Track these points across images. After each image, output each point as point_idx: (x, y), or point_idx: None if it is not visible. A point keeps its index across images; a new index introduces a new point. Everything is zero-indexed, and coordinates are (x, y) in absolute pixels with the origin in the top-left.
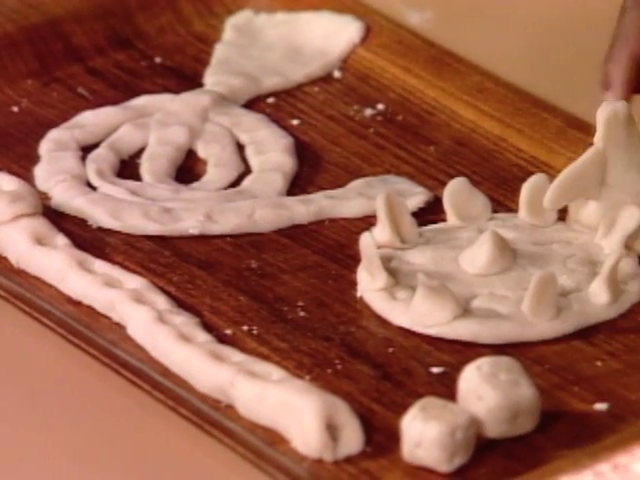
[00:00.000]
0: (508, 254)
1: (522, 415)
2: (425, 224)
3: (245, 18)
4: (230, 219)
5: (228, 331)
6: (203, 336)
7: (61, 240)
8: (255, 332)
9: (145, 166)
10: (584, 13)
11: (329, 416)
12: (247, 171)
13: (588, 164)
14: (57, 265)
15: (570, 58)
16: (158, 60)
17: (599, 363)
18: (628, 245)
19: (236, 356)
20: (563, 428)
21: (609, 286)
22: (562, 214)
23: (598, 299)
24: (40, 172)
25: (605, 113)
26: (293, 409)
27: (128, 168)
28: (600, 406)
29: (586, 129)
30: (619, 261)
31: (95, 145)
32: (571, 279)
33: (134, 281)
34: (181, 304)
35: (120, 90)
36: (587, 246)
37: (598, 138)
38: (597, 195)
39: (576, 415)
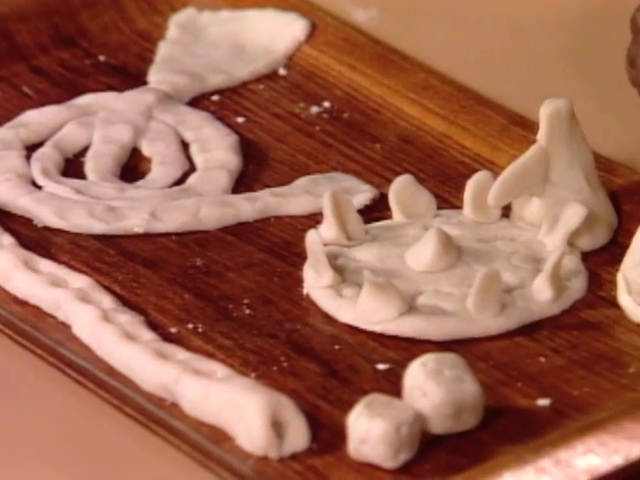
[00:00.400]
0: (453, 251)
1: (466, 411)
2: (371, 221)
3: (189, 16)
4: (175, 217)
5: (173, 329)
6: (148, 335)
7: (7, 240)
8: (200, 330)
9: (90, 165)
10: (526, 11)
11: (274, 413)
12: (192, 169)
13: (531, 161)
14: (3, 265)
15: (513, 55)
16: (102, 58)
17: (542, 359)
18: (571, 242)
19: (181, 354)
20: (506, 424)
21: (552, 283)
22: (506, 211)
23: (541, 296)
24: None
25: (548, 110)
26: (238, 407)
27: (73, 167)
28: (543, 402)
29: (529, 126)
30: (562, 258)
31: (40, 144)
32: (515, 276)
33: (79, 280)
34: (126, 303)
35: (64, 89)
36: (531, 243)
37: (541, 135)
38: (540, 192)
39: (519, 411)
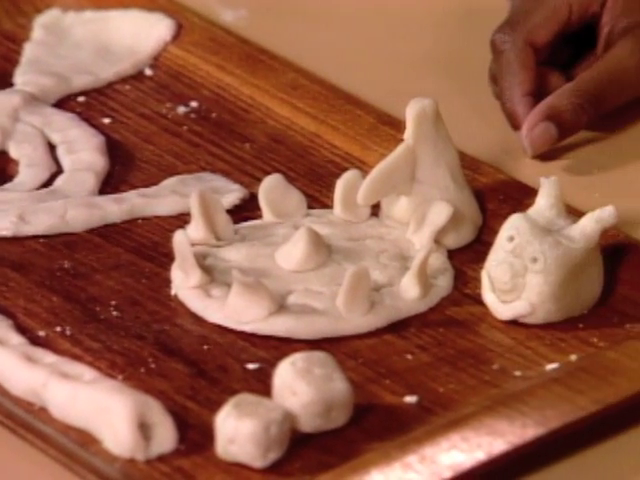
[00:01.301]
0: (323, 250)
1: (336, 409)
2: (241, 221)
3: (53, 17)
4: (42, 220)
5: (41, 332)
6: (16, 338)
7: None
8: (68, 333)
9: None
10: (395, 12)
11: (140, 415)
12: (59, 171)
13: (398, 160)
14: None
15: (381, 55)
16: None
17: (409, 356)
18: (437, 240)
19: (48, 358)
20: (374, 421)
21: (419, 281)
22: (375, 210)
23: (409, 294)
24: None
25: (414, 110)
26: (104, 409)
27: None
28: (410, 399)
29: (397, 126)
30: (429, 256)
31: None
32: (383, 274)
33: None
34: None
35: None
36: (399, 241)
37: (408, 135)
38: (408, 191)
39: (387, 408)
